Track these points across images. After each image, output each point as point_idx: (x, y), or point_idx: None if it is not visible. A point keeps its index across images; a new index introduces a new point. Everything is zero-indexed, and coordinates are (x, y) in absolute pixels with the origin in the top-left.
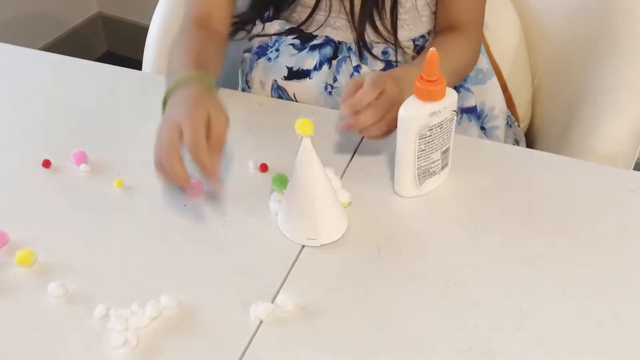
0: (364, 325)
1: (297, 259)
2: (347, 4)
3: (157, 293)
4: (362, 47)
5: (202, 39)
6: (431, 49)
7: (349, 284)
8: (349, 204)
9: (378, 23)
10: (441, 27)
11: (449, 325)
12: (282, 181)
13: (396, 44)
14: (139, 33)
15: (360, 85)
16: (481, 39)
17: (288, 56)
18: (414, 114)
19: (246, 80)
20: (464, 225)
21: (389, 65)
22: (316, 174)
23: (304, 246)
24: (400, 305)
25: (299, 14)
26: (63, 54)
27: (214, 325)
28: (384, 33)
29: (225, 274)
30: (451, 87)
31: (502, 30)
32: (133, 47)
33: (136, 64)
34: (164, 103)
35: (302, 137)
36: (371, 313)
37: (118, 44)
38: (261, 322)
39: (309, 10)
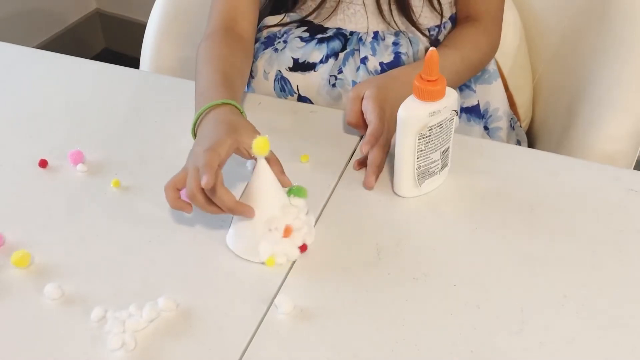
0: (363, 327)
1: (295, 260)
2: None
3: (155, 295)
4: (374, 37)
5: (229, 48)
6: (431, 48)
7: (348, 285)
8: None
9: (394, 8)
10: (460, 18)
11: (449, 327)
12: (299, 192)
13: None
14: (137, 30)
15: (360, 100)
16: (500, 31)
17: (295, 48)
18: (413, 114)
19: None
20: (464, 225)
21: (397, 57)
22: (263, 198)
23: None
24: (400, 306)
25: (311, 3)
26: (61, 51)
27: (212, 328)
28: (399, 21)
29: (223, 276)
30: (466, 80)
31: (502, 29)
32: (131, 45)
33: (134, 61)
34: (194, 126)
35: (257, 157)
36: (371, 314)
37: (116, 41)
38: (260, 323)
39: None
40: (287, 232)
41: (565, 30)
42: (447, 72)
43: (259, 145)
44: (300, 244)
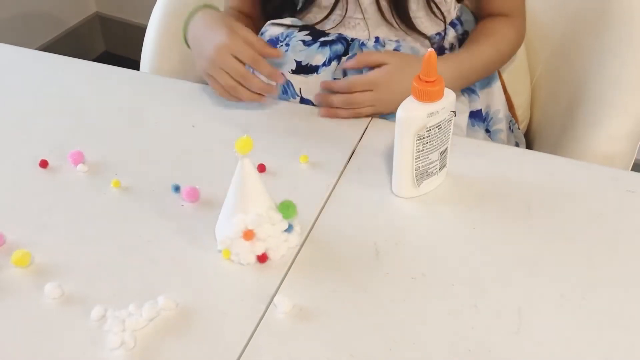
0: (361, 326)
1: (294, 259)
2: (364, 1)
3: (155, 294)
4: (376, 41)
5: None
6: (429, 49)
7: (347, 285)
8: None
9: (390, 16)
10: (484, 15)
11: (446, 327)
12: (287, 208)
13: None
14: (137, 33)
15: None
16: (525, 23)
17: (298, 50)
18: (412, 115)
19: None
20: (462, 226)
21: None
22: (240, 196)
23: (301, 247)
24: (398, 306)
25: (315, 14)
26: (61, 54)
27: (211, 327)
28: (400, 27)
29: (223, 275)
30: (495, 71)
31: None
32: (131, 47)
33: (134, 64)
34: (184, 31)
35: (240, 156)
36: (369, 314)
37: (116, 44)
38: (259, 322)
39: (325, 11)
40: (247, 235)
41: (564, 31)
42: (482, 68)
43: (242, 145)
44: (260, 253)
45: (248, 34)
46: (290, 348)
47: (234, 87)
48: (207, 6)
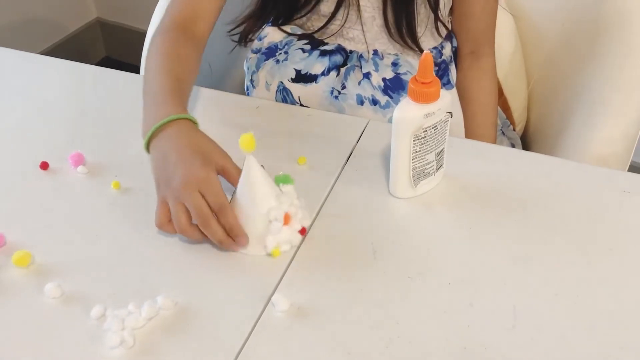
0: (358, 325)
1: (292, 259)
2: (365, 14)
3: (154, 294)
4: (374, 54)
5: (185, 50)
6: (425, 51)
7: (344, 284)
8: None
9: (395, 32)
10: (463, 52)
11: (442, 325)
12: (285, 179)
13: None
14: (137, 38)
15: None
16: (495, 62)
17: (297, 59)
18: (408, 116)
19: (251, 80)
20: (459, 226)
21: (397, 76)
22: (259, 193)
23: (299, 247)
24: (395, 305)
25: (313, 22)
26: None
27: (209, 326)
28: (399, 42)
29: (221, 274)
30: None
31: (498, 34)
32: (131, 53)
33: (134, 69)
34: (147, 141)
35: (246, 154)
36: (366, 313)
37: (116, 50)
38: (257, 321)
39: (324, 19)
40: (287, 219)
41: (560, 34)
42: (493, 135)
43: (245, 143)
44: (299, 228)
45: (226, 162)
46: (288, 346)
47: (185, 230)
48: (181, 118)
